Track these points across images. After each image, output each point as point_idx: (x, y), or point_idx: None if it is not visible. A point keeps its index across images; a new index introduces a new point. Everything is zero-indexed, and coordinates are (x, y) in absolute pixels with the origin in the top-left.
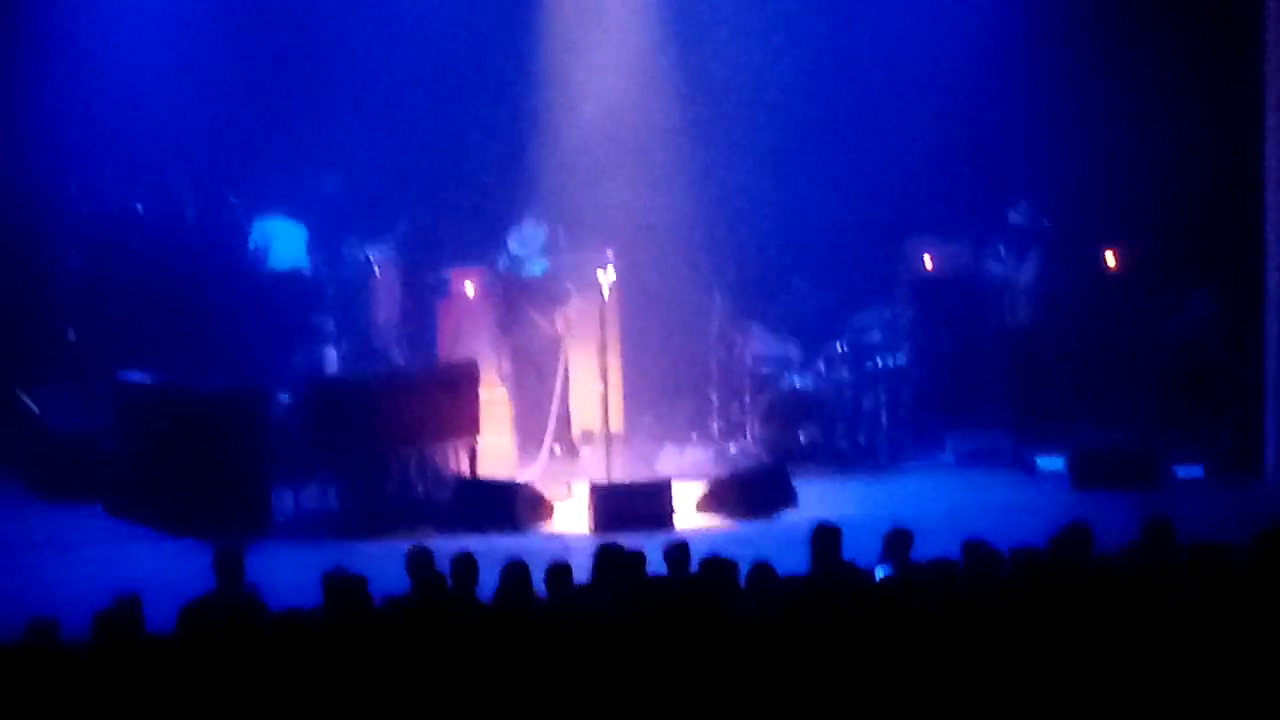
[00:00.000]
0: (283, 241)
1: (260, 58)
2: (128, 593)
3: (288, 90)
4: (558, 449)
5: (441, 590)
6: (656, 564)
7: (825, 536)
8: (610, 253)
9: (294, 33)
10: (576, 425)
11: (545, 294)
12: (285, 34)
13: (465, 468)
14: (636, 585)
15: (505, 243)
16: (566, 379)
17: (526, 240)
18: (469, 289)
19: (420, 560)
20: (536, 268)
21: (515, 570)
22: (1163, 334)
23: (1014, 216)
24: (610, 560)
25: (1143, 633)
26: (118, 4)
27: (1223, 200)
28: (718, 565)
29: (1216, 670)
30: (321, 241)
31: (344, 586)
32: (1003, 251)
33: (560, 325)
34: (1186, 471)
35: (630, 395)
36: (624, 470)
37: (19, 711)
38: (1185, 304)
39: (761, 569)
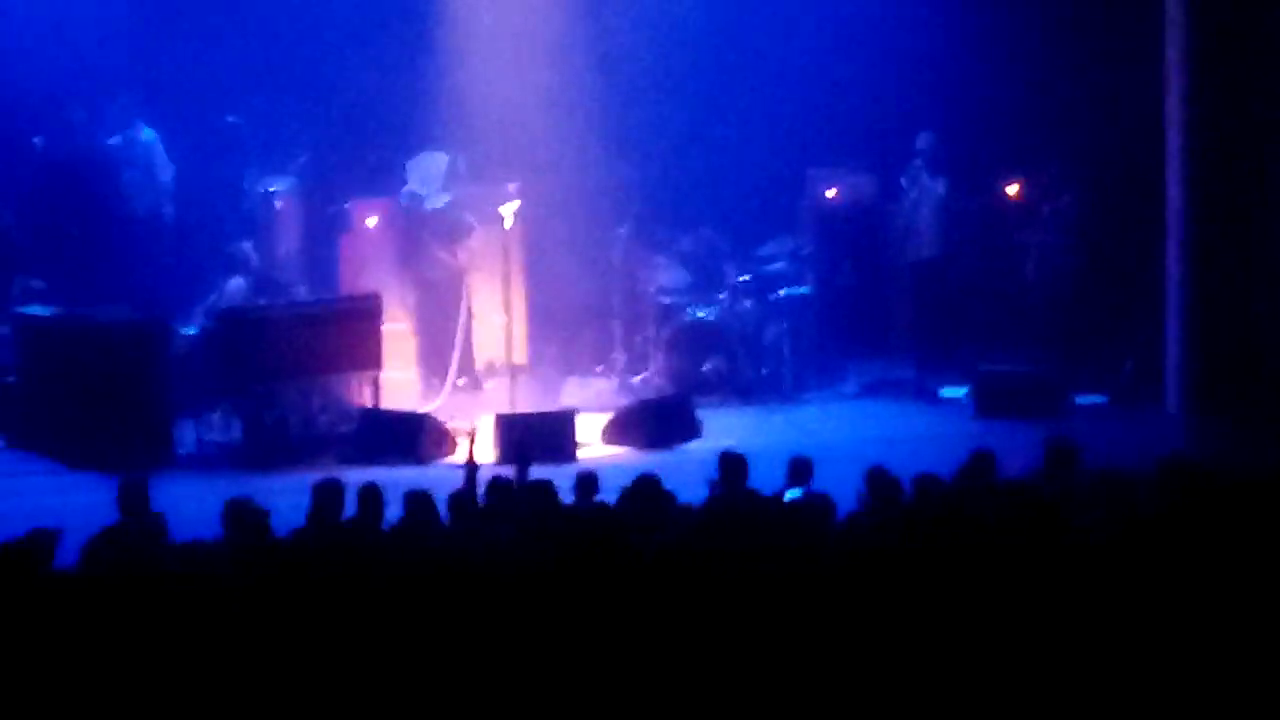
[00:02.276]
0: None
1: None
2: (47, 527)
3: (188, 25)
4: (462, 381)
5: (347, 521)
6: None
7: (731, 464)
8: (513, 186)
9: None
10: (480, 358)
11: (447, 226)
12: None
13: (369, 400)
14: (540, 516)
15: (406, 175)
16: (470, 312)
17: (426, 172)
18: (371, 222)
19: (327, 491)
20: (439, 200)
21: (419, 500)
22: (1064, 265)
23: (919, 146)
24: (501, 492)
25: (1048, 558)
26: None
27: (1128, 136)
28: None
29: (1122, 595)
30: (223, 175)
31: (245, 516)
32: (905, 183)
33: (463, 258)
34: (1089, 400)
35: (534, 327)
36: (528, 402)
37: None
38: (1086, 235)
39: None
